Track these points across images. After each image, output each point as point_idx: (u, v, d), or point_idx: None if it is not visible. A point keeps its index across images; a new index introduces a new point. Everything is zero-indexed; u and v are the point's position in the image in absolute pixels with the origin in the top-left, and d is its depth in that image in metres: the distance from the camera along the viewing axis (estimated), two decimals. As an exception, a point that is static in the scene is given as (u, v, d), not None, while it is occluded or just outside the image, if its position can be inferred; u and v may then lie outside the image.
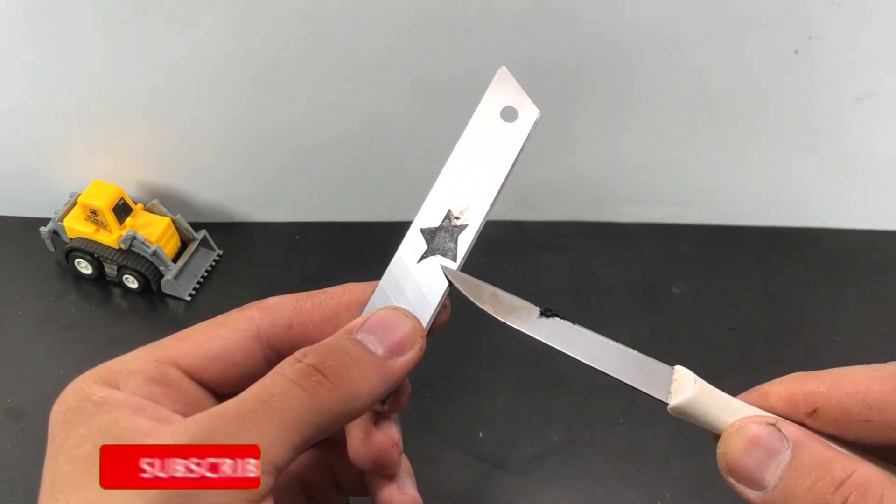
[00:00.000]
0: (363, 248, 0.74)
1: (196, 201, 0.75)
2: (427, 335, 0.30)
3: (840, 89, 0.66)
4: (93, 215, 0.67)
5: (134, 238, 0.67)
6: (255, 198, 0.76)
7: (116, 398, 0.25)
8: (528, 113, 0.32)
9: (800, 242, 0.76)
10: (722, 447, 0.26)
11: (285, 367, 0.26)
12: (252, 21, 0.60)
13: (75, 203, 0.68)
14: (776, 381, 0.28)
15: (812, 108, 0.67)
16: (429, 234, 0.31)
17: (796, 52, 0.62)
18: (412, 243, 0.31)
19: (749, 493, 0.25)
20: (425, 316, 0.30)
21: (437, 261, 0.31)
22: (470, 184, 0.32)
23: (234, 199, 0.75)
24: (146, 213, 0.70)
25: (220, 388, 0.29)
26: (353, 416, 0.27)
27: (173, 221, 0.70)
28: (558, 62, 0.63)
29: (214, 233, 0.73)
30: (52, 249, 0.71)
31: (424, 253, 0.31)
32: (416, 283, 0.31)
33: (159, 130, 0.69)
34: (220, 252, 0.73)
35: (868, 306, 0.71)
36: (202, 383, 0.28)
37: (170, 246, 0.70)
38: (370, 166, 0.72)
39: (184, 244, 0.72)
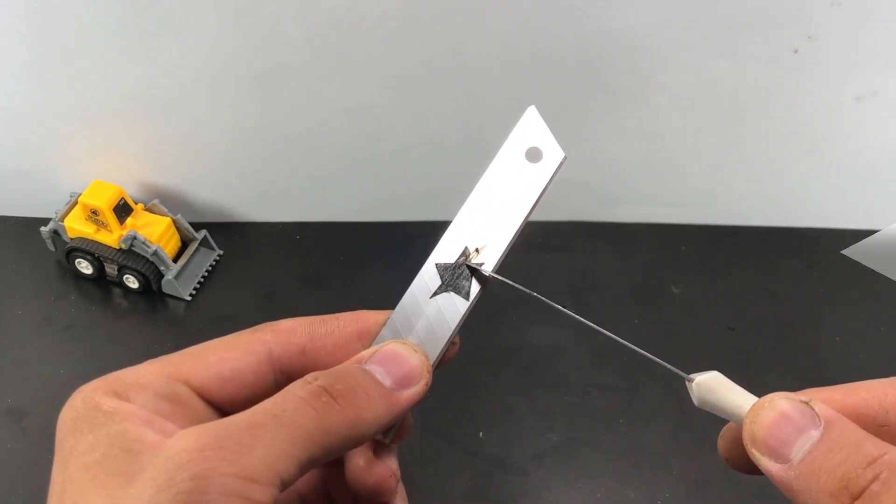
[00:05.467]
0: (363, 248, 0.74)
1: (196, 201, 0.75)
2: (434, 369, 0.30)
3: (840, 89, 0.66)
4: (93, 215, 0.67)
5: (134, 238, 0.67)
6: (256, 198, 0.76)
7: (126, 409, 0.26)
8: (553, 155, 0.32)
9: (800, 242, 0.76)
10: (751, 417, 0.26)
11: (296, 387, 0.26)
12: (252, 21, 0.60)
13: (76, 203, 0.68)
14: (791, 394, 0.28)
15: (812, 108, 0.67)
16: (443, 270, 0.31)
17: (796, 52, 0.62)
18: (426, 278, 0.31)
19: (771, 465, 0.25)
20: (434, 351, 0.30)
21: (450, 297, 0.31)
22: (489, 222, 0.32)
23: (234, 199, 0.75)
24: (147, 213, 0.70)
25: (229, 409, 0.29)
26: (358, 441, 0.27)
27: (174, 221, 0.70)
28: (558, 62, 0.63)
29: (215, 233, 0.73)
30: (53, 249, 0.71)
31: (437, 289, 0.31)
32: (427, 318, 0.31)
33: (159, 130, 0.69)
34: (221, 252, 0.73)
35: (868, 306, 0.71)
36: (211, 403, 0.29)
37: (170, 246, 0.70)
38: (370, 166, 0.72)
39: (184, 244, 0.72)
